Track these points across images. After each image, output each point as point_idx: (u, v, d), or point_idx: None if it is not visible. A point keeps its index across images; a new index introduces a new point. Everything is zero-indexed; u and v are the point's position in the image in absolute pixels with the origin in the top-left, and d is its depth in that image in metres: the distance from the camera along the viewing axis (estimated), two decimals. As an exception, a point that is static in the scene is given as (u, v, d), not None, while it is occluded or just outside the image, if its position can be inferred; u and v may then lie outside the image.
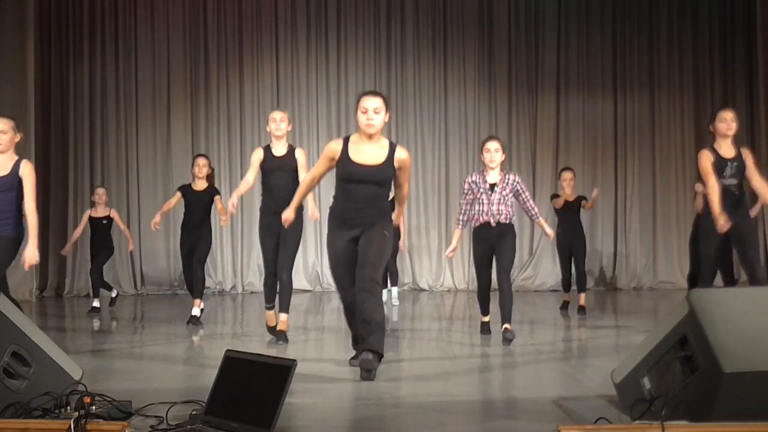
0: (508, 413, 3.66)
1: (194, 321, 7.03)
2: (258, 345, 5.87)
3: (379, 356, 4.47)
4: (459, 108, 11.05)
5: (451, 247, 6.21)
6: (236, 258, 10.88)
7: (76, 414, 3.01)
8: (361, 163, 4.53)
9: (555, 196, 8.11)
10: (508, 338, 5.75)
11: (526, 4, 11.10)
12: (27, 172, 5.34)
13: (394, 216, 4.94)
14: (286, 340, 5.87)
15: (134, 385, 4.29)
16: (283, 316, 5.93)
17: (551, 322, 7.36)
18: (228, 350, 3.35)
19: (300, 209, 5.75)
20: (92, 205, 8.85)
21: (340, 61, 11.04)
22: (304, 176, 5.65)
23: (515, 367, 4.83)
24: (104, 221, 8.70)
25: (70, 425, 2.91)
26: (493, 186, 5.94)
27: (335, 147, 4.60)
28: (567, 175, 7.96)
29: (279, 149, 5.98)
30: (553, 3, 11.07)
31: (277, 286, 5.98)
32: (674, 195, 11.08)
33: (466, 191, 6.04)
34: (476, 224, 5.99)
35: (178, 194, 7.43)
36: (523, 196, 6.04)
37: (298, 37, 10.98)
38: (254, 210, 10.76)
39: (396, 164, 4.60)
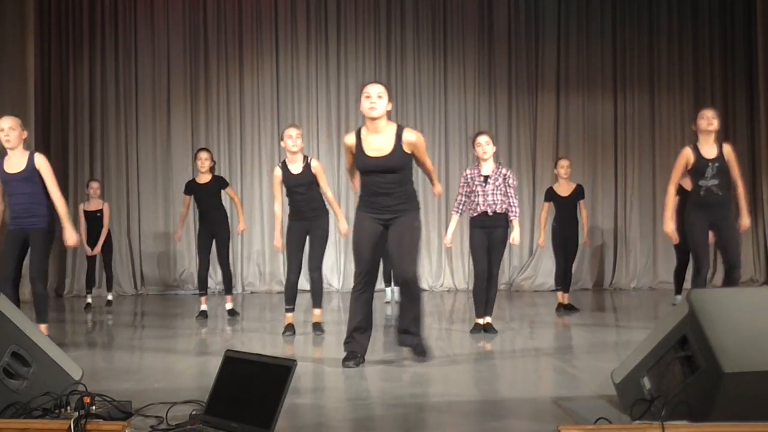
0: (508, 413, 3.66)
1: (232, 314, 7.68)
2: (258, 345, 5.88)
3: (422, 337, 5.03)
4: (459, 107, 11.05)
5: (449, 234, 6.54)
6: (236, 258, 10.87)
7: (76, 414, 3.01)
8: (373, 156, 4.69)
9: (550, 191, 8.10)
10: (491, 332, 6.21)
11: (526, 4, 11.10)
12: (42, 164, 5.56)
13: (434, 190, 5.59)
14: (322, 331, 6.36)
15: (134, 385, 4.29)
16: (317, 311, 6.44)
17: (551, 322, 7.36)
18: (228, 350, 3.35)
19: (327, 213, 6.39)
20: (87, 198, 8.94)
21: (340, 60, 11.04)
22: (324, 185, 6.27)
23: (515, 367, 4.83)
24: (98, 214, 8.78)
25: (70, 425, 2.91)
26: (486, 178, 6.27)
27: (350, 141, 4.82)
28: (564, 164, 8.00)
29: (296, 166, 6.25)
30: (553, 3, 11.06)
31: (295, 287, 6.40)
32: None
33: (462, 184, 6.39)
34: (474, 214, 6.31)
35: (187, 198, 7.66)
36: (510, 191, 6.37)
37: (298, 37, 10.98)
38: (254, 210, 10.82)
39: (407, 149, 4.72)
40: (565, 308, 8.00)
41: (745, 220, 5.90)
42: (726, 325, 2.96)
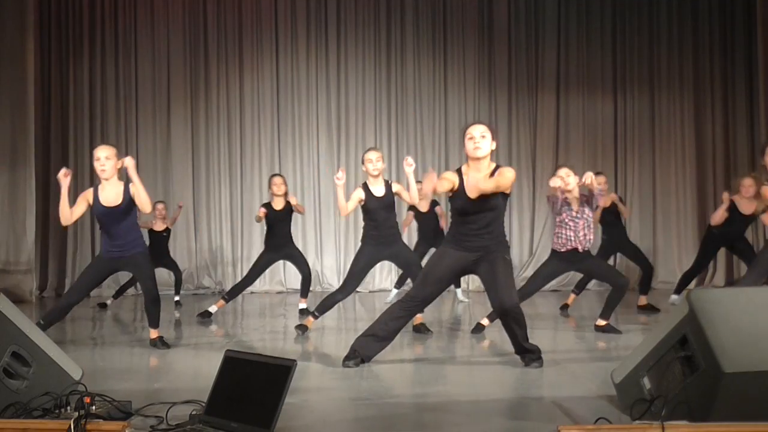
0: (508, 413, 3.66)
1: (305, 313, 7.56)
2: (258, 345, 5.88)
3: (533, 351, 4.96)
4: (459, 108, 11.05)
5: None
6: (236, 258, 10.87)
7: (76, 414, 3.01)
8: (473, 198, 4.66)
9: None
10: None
11: (526, 4, 11.09)
12: (133, 190, 5.41)
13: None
14: (429, 331, 6.45)
15: (134, 385, 4.29)
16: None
17: (551, 322, 7.36)
18: (228, 350, 3.35)
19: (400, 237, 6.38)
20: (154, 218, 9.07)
21: (340, 61, 11.03)
22: (408, 197, 6.11)
23: (515, 367, 4.83)
24: (164, 234, 8.99)
25: (70, 425, 2.92)
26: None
27: (452, 177, 4.77)
28: (601, 180, 7.97)
29: (378, 189, 6.20)
30: (553, 3, 11.06)
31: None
32: (674, 195, 11.08)
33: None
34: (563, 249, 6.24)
35: (262, 211, 7.58)
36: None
37: (298, 37, 10.98)
38: (253, 211, 10.79)
39: (496, 185, 4.62)
40: (564, 307, 8.02)
41: None
42: (726, 325, 2.96)
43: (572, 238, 6.07)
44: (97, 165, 5.41)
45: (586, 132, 11.09)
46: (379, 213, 6.16)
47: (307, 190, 10.86)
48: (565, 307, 7.99)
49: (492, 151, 4.75)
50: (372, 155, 6.19)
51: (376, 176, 6.16)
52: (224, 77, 10.91)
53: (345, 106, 11.00)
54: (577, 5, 11.10)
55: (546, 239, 10.86)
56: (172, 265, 9.04)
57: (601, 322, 6.35)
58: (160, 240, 8.93)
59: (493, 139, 4.74)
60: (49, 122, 10.66)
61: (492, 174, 4.69)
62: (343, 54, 11.03)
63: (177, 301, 8.98)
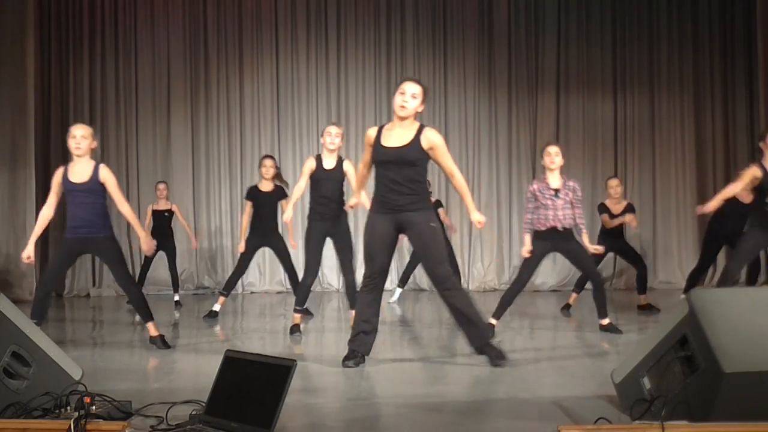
0: (508, 413, 3.66)
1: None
2: (258, 345, 5.88)
3: (487, 342, 4.85)
4: (459, 108, 11.05)
5: (527, 247, 6.31)
6: (236, 258, 10.83)
7: (76, 414, 3.01)
8: (389, 146, 4.69)
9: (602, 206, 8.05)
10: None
11: (526, 4, 11.09)
12: (107, 176, 5.44)
13: (471, 217, 4.91)
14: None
15: (134, 385, 4.29)
16: (352, 312, 6.29)
17: (551, 322, 7.36)
18: (228, 350, 3.35)
19: (345, 215, 6.42)
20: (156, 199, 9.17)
21: (340, 61, 11.03)
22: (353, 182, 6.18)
23: (515, 367, 4.83)
24: (166, 214, 8.98)
25: (70, 425, 2.92)
26: (557, 191, 6.16)
27: (371, 133, 4.83)
28: (613, 183, 8.00)
29: (329, 162, 6.36)
30: (553, 3, 11.06)
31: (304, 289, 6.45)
32: (674, 195, 11.08)
33: (529, 197, 6.30)
34: (542, 228, 6.20)
35: (248, 204, 7.46)
36: (578, 204, 6.28)
37: (298, 37, 10.98)
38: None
39: (425, 144, 4.69)
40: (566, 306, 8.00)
41: None
42: (726, 325, 2.96)
43: (551, 217, 6.12)
44: (72, 142, 5.42)
45: (586, 132, 11.09)
46: (325, 184, 6.29)
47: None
48: (567, 307, 7.98)
49: (418, 113, 4.72)
50: (332, 129, 6.42)
51: (332, 150, 6.33)
52: (224, 78, 10.91)
53: (345, 106, 11.00)
54: (577, 6, 11.10)
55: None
56: (171, 252, 8.88)
57: (605, 321, 6.35)
58: (162, 220, 8.91)
59: (422, 102, 4.72)
60: (49, 123, 10.66)
61: (417, 134, 4.68)
62: (343, 54, 11.03)
63: (177, 301, 8.97)
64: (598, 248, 6.54)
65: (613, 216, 7.88)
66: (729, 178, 10.55)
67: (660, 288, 10.65)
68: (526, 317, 7.74)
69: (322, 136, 6.49)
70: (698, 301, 3.06)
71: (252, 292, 10.70)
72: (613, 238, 7.95)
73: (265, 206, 7.38)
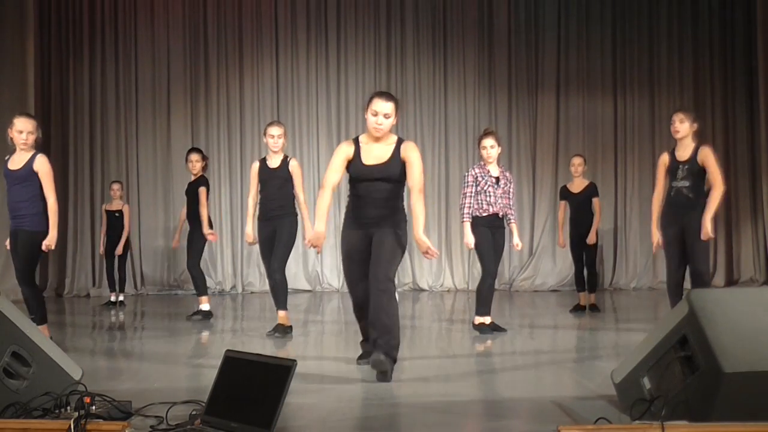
0: (508, 413, 3.66)
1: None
2: (258, 345, 5.87)
3: (391, 358, 4.44)
4: (459, 108, 11.05)
5: (470, 238, 6.30)
6: (236, 258, 10.88)
7: (76, 414, 3.01)
8: (370, 164, 4.59)
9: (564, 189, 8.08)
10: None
11: (526, 4, 11.09)
12: (41, 166, 5.47)
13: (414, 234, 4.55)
14: (285, 334, 6.23)
15: (134, 385, 4.29)
16: (281, 313, 6.31)
17: (551, 322, 7.36)
18: (228, 350, 3.35)
19: (295, 216, 6.33)
20: (110, 199, 9.23)
21: (340, 61, 11.03)
22: (298, 186, 6.28)
23: (515, 367, 4.83)
24: (116, 214, 8.98)
25: (70, 425, 2.92)
26: (497, 179, 6.32)
27: (348, 150, 4.67)
28: (576, 161, 8.01)
29: (274, 161, 6.35)
30: (553, 3, 11.06)
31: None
32: (674, 195, 11.07)
33: (470, 183, 6.32)
34: (483, 214, 6.29)
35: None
36: (511, 195, 6.50)
37: (298, 37, 10.98)
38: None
39: (402, 157, 4.61)
40: (584, 309, 7.87)
41: (706, 227, 5.53)
42: (726, 325, 2.96)
43: (493, 203, 6.26)
44: (19, 137, 5.46)
45: (586, 132, 11.08)
46: (270, 183, 6.28)
47: (306, 191, 10.83)
48: (577, 308, 7.87)
49: (392, 125, 4.64)
50: (274, 131, 6.31)
51: (276, 152, 6.31)
52: (224, 78, 10.91)
53: (345, 106, 11.00)
54: (577, 6, 11.09)
55: (546, 239, 10.87)
56: (122, 255, 8.87)
57: (485, 320, 6.38)
58: (114, 220, 8.94)
59: (395, 114, 4.63)
60: (49, 123, 10.65)
61: (397, 147, 4.60)
62: (343, 55, 11.03)
63: (121, 301, 8.90)
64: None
65: (573, 196, 7.94)
66: (729, 179, 10.58)
67: (660, 288, 10.65)
68: (526, 317, 7.73)
69: (264, 136, 6.42)
70: (698, 301, 3.06)
71: (252, 292, 10.70)
72: (580, 229, 7.88)
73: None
